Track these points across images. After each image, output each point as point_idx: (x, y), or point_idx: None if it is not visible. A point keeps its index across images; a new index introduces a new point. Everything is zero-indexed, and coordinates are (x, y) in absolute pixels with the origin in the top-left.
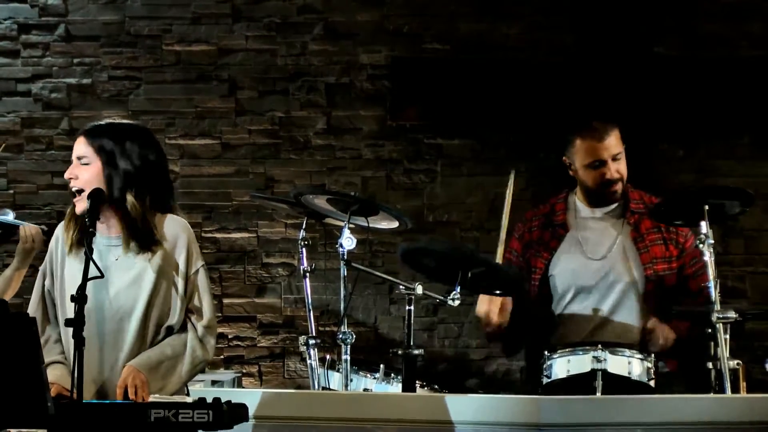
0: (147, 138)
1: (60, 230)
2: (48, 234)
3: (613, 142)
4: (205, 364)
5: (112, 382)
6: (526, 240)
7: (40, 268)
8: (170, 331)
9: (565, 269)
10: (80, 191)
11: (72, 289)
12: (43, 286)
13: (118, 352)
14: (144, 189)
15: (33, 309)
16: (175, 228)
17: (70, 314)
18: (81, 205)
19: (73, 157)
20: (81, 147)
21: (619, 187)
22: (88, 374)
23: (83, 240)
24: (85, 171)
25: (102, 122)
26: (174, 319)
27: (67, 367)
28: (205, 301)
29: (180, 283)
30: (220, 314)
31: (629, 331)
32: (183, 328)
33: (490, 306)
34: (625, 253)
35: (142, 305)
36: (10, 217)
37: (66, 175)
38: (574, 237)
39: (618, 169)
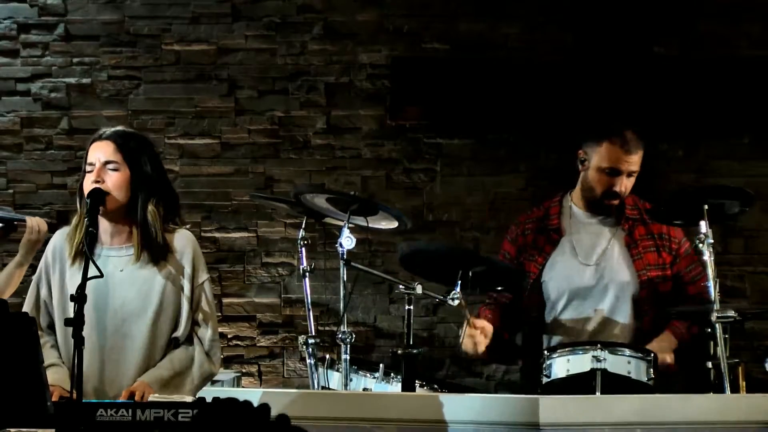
0: (154, 148)
1: (59, 241)
2: (52, 227)
3: (636, 160)
4: (213, 376)
5: (115, 392)
6: (520, 243)
7: (34, 278)
8: (176, 342)
9: (560, 274)
10: (106, 195)
11: None
12: (38, 294)
13: (124, 363)
14: (161, 199)
15: None
16: (182, 240)
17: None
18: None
19: (95, 160)
20: (109, 152)
21: (617, 202)
22: (89, 384)
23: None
24: (113, 176)
25: (121, 129)
26: (180, 330)
27: (66, 369)
28: (209, 314)
29: (187, 295)
30: (219, 314)
31: (625, 335)
32: (188, 340)
33: (475, 340)
34: (618, 258)
35: (150, 317)
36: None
37: (92, 179)
38: (568, 241)
39: (627, 186)
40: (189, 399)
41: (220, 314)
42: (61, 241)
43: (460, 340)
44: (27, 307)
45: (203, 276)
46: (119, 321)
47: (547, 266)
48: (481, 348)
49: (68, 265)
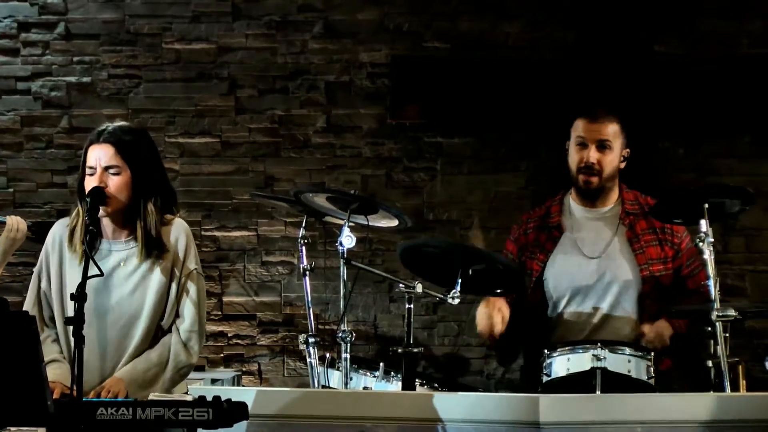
0: (153, 142)
1: (59, 231)
2: (34, 230)
3: (604, 130)
4: (190, 368)
5: None
6: (522, 243)
7: (35, 269)
8: (162, 330)
9: (561, 271)
10: (108, 197)
11: (74, 290)
12: (39, 286)
13: (122, 356)
14: (159, 196)
15: (28, 310)
16: (176, 231)
17: (71, 314)
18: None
19: (96, 164)
20: (109, 155)
21: (595, 180)
22: (89, 379)
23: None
24: (115, 180)
25: (118, 127)
26: (164, 319)
27: (67, 365)
28: (191, 304)
29: (175, 283)
30: (219, 313)
31: (626, 331)
32: (171, 328)
33: (492, 320)
34: (620, 253)
35: (149, 309)
36: None
37: (95, 183)
38: (569, 238)
39: (599, 158)
40: (189, 398)
41: (219, 313)
42: (61, 231)
43: (476, 319)
44: (29, 300)
45: (191, 265)
46: (118, 316)
47: (549, 263)
48: (498, 329)
49: (67, 256)
